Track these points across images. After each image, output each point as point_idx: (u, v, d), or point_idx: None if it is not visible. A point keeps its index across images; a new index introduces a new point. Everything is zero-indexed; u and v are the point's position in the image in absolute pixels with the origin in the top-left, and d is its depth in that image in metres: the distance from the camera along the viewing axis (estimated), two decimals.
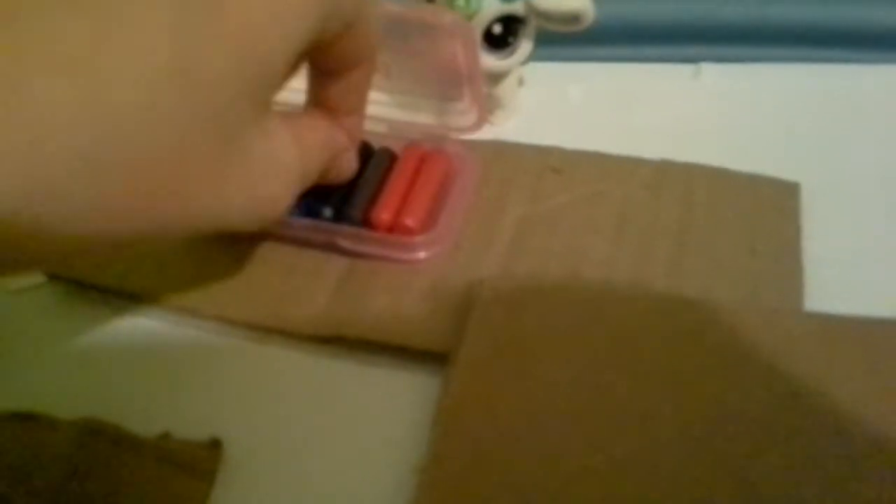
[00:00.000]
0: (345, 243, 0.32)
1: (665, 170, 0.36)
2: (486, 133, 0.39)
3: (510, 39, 0.38)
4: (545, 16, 0.36)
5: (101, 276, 0.32)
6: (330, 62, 0.28)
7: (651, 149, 0.37)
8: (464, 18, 0.35)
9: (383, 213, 0.32)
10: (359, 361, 0.31)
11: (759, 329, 0.29)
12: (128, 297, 0.32)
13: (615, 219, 0.34)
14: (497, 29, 0.37)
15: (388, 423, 0.28)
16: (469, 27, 0.34)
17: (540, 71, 0.41)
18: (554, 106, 0.41)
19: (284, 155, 0.25)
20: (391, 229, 0.32)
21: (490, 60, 0.38)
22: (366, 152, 0.35)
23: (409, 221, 0.32)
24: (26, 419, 0.28)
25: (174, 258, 0.33)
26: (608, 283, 0.32)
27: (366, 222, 0.33)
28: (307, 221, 0.33)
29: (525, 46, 0.38)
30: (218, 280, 0.32)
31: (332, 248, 0.33)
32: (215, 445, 0.27)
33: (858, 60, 0.41)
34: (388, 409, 0.29)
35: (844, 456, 0.25)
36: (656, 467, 0.25)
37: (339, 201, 0.33)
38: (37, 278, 0.32)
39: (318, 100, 0.30)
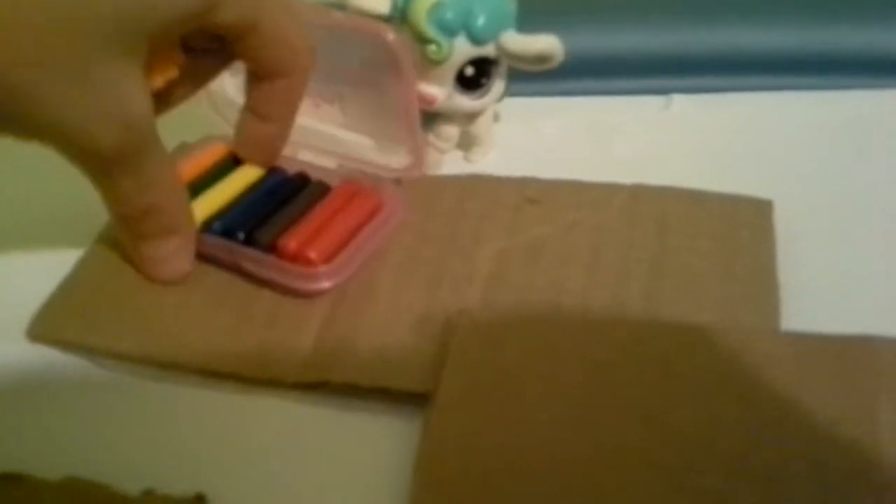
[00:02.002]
0: (249, 266, 0.33)
1: (639, 194, 0.37)
2: (464, 168, 0.40)
3: (483, 80, 0.38)
4: (516, 57, 0.37)
5: (86, 336, 0.32)
6: (250, 62, 0.32)
7: (626, 177, 0.37)
8: (435, 63, 0.36)
9: (290, 242, 0.32)
10: (346, 407, 0.30)
11: (735, 353, 0.28)
12: (112, 357, 0.32)
13: (591, 248, 0.34)
14: (469, 71, 0.38)
15: (376, 469, 0.28)
16: (408, 50, 0.34)
17: (514, 105, 0.42)
18: (529, 139, 0.42)
19: (130, 103, 0.27)
20: (295, 258, 0.32)
21: (464, 101, 0.39)
22: (301, 182, 0.37)
23: (312, 253, 0.32)
24: (10, 480, 0.28)
25: (157, 313, 0.33)
26: (586, 314, 0.32)
27: (272, 249, 0.33)
28: (218, 241, 0.34)
29: (498, 86, 0.39)
30: (200, 333, 0.32)
31: (238, 270, 0.33)
32: (200, 500, 0.27)
33: (828, 87, 0.42)
34: (377, 455, 0.28)
35: (820, 488, 0.25)
36: (634, 502, 0.25)
37: (254, 225, 0.34)
38: None
39: (247, 102, 0.34)
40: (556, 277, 0.34)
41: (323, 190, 0.37)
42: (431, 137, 0.41)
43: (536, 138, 0.42)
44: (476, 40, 0.37)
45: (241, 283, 0.34)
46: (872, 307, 0.32)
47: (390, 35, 0.35)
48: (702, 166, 0.38)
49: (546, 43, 0.36)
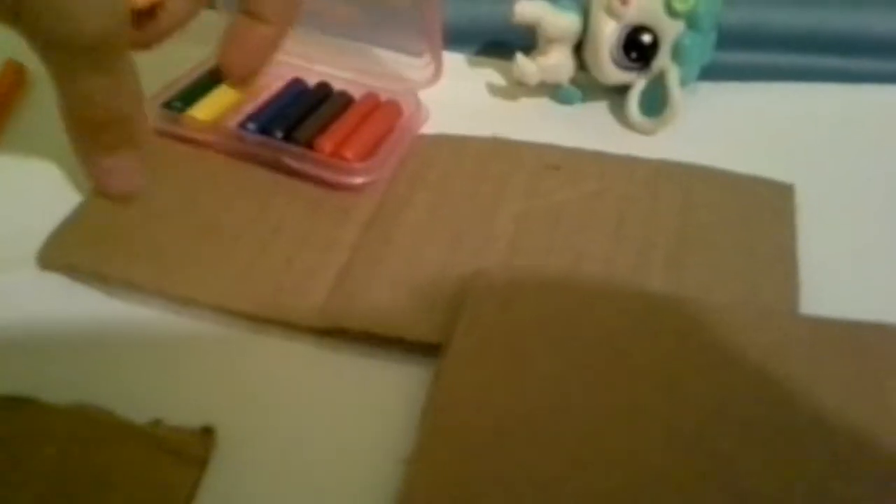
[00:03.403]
0: (290, 161, 0.34)
1: (663, 170, 0.36)
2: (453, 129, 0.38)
3: (643, 57, 0.37)
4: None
5: (99, 265, 0.31)
6: None
7: (649, 152, 0.37)
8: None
9: (327, 142, 0.34)
10: (357, 353, 0.30)
11: (750, 330, 0.29)
12: (125, 286, 0.31)
13: (615, 217, 0.34)
14: (648, 39, 0.37)
15: (385, 415, 0.28)
16: None
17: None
18: (553, 108, 0.40)
19: None
20: (332, 155, 0.34)
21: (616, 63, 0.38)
22: (325, 91, 0.38)
23: (348, 153, 0.34)
24: (20, 403, 0.28)
25: (173, 247, 0.32)
26: (603, 281, 0.32)
27: (310, 146, 0.34)
28: (259, 138, 0.35)
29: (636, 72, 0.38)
30: (217, 270, 0.31)
31: (278, 165, 0.34)
32: (208, 433, 0.28)
33: (850, 77, 0.41)
34: (386, 401, 0.28)
35: (828, 456, 0.25)
36: (644, 462, 0.25)
37: (290, 125, 0.35)
38: None
39: (242, 4, 0.34)
40: (578, 243, 0.33)
41: (347, 100, 0.38)
42: (529, 60, 0.39)
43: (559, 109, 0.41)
44: (693, 25, 0.36)
45: (258, 222, 0.33)
46: (889, 292, 0.32)
47: None
48: (726, 151, 0.37)
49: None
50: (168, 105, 0.37)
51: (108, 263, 0.32)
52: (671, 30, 0.37)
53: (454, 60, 0.42)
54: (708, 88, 0.41)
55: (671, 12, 0.37)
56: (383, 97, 0.38)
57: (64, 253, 0.32)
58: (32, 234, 0.33)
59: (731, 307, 0.30)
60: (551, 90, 0.41)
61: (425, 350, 0.29)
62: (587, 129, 0.39)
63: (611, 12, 0.37)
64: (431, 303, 0.31)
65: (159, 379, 0.29)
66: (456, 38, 0.42)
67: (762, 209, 0.34)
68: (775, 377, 0.28)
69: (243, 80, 0.37)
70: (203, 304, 0.31)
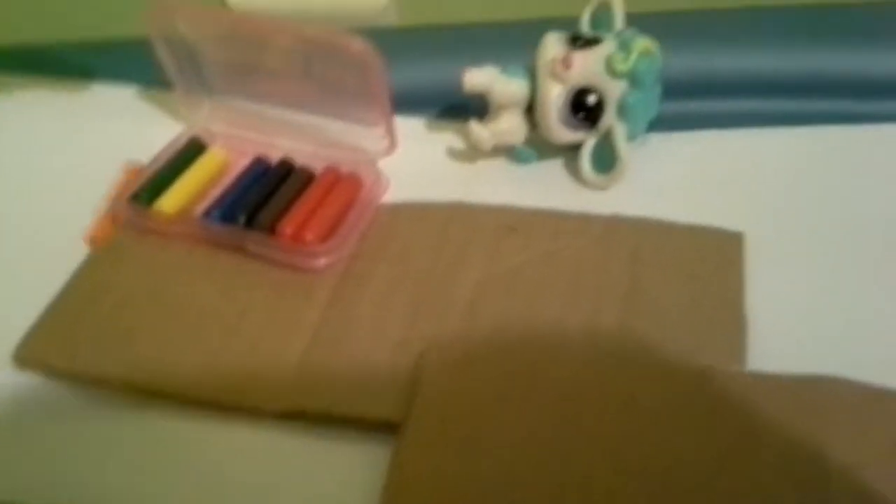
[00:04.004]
0: (253, 247, 0.35)
1: (614, 225, 0.37)
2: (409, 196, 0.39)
3: (591, 116, 0.38)
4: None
5: (71, 363, 0.33)
6: None
7: (603, 208, 0.37)
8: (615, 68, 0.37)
9: (288, 226, 0.35)
10: (321, 436, 0.31)
11: (695, 390, 0.29)
12: (97, 383, 0.32)
13: (568, 277, 0.35)
14: (592, 100, 0.38)
15: (348, 495, 0.29)
16: (377, 57, 0.35)
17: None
18: (511, 169, 0.41)
19: None
20: (294, 239, 0.35)
21: (567, 123, 0.38)
22: (286, 169, 0.39)
23: (309, 235, 0.35)
24: None
25: (142, 340, 0.33)
26: (556, 345, 0.32)
27: (272, 231, 0.35)
28: (222, 227, 0.36)
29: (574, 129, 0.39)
30: (184, 361, 0.32)
31: (242, 251, 0.35)
32: None
33: (799, 120, 0.41)
34: (349, 482, 0.29)
35: None
36: None
37: (253, 211, 0.36)
38: None
39: None
40: (533, 306, 0.34)
41: (308, 176, 0.39)
42: (483, 127, 0.39)
43: (515, 167, 0.41)
44: (635, 83, 0.37)
45: (224, 309, 0.35)
46: (837, 338, 0.32)
47: (357, 45, 0.35)
48: (678, 200, 0.38)
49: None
50: (135, 198, 0.38)
51: (77, 361, 0.33)
52: (614, 89, 0.38)
53: (414, 126, 0.43)
54: (658, 139, 0.41)
55: (613, 73, 0.38)
56: (344, 170, 0.39)
57: (38, 353, 0.34)
58: (11, 333, 0.34)
59: (676, 369, 0.31)
60: (507, 151, 0.42)
61: (387, 428, 0.30)
62: (544, 187, 0.40)
63: (555, 77, 0.38)
64: (391, 380, 0.31)
65: (130, 472, 0.31)
66: (415, 102, 0.43)
67: (711, 260, 0.35)
68: (720, 437, 0.29)
69: None
70: (170, 394, 0.32)
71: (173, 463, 0.31)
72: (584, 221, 0.37)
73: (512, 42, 0.41)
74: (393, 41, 0.39)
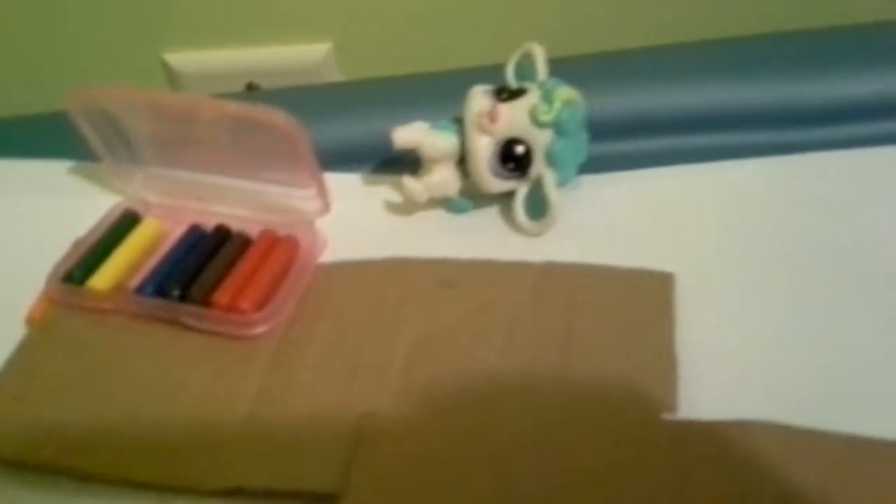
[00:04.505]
0: (188, 320, 0.35)
1: (548, 273, 0.37)
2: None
3: (520, 166, 0.39)
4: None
5: (2, 449, 0.32)
6: None
7: (537, 254, 0.38)
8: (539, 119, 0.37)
9: (223, 296, 0.35)
10: None
11: (625, 443, 0.30)
12: (30, 466, 0.32)
13: (503, 328, 0.35)
14: (520, 150, 0.38)
15: None
16: (300, 129, 0.35)
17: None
18: (447, 218, 0.41)
19: None
20: (229, 309, 0.35)
21: (494, 173, 0.39)
22: (222, 235, 0.39)
23: (245, 304, 0.35)
24: None
25: (76, 423, 0.33)
26: (493, 400, 0.32)
27: (207, 303, 0.35)
28: (156, 302, 0.36)
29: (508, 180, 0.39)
30: (120, 442, 0.32)
31: (178, 323, 0.35)
32: None
33: (728, 156, 0.42)
34: None
35: None
36: None
37: (187, 282, 0.36)
38: None
39: None
40: (470, 360, 0.34)
41: (244, 241, 0.39)
42: (416, 181, 0.40)
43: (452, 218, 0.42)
44: (560, 132, 0.38)
45: (161, 385, 0.34)
46: (767, 377, 0.32)
47: (280, 118, 0.35)
48: (612, 242, 0.38)
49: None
50: (67, 278, 0.38)
51: (10, 446, 0.32)
52: (541, 139, 0.38)
53: (349, 182, 0.43)
54: (591, 181, 0.42)
55: (537, 124, 0.38)
56: (281, 232, 0.39)
57: None
58: None
59: (607, 420, 0.31)
60: (444, 202, 0.42)
61: (328, 499, 0.30)
62: (481, 235, 0.40)
63: (483, 130, 0.39)
64: (331, 448, 0.31)
65: None
66: (350, 157, 0.44)
67: (641, 303, 0.35)
68: (647, 489, 0.29)
69: None
70: (106, 478, 0.31)
71: None
72: (518, 271, 0.37)
73: (443, 93, 0.41)
74: (322, 97, 0.39)
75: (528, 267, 0.37)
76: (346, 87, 0.55)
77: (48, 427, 0.33)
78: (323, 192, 0.39)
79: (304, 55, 0.73)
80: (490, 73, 0.41)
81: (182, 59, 0.73)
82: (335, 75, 0.74)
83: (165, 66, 0.73)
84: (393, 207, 0.43)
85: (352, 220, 0.41)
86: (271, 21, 0.68)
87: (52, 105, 0.48)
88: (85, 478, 0.32)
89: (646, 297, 0.36)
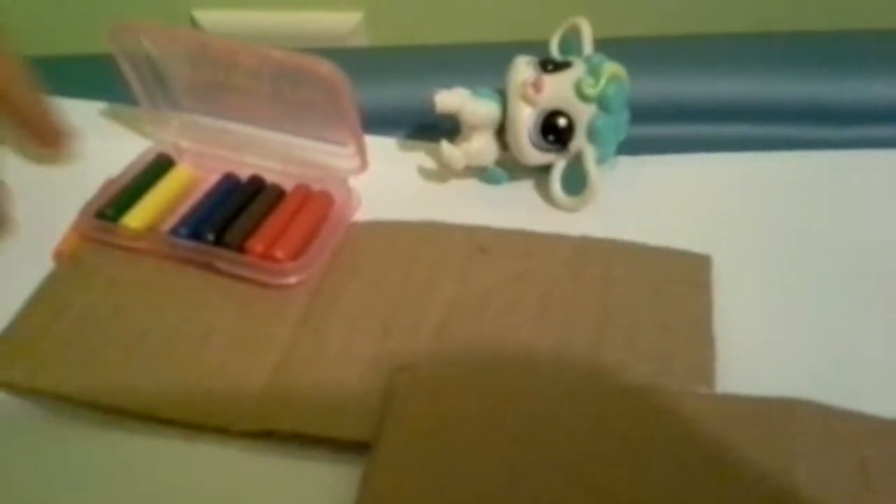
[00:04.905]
0: (222, 265, 0.35)
1: (584, 247, 0.37)
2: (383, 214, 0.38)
3: (561, 140, 0.38)
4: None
5: (31, 379, 0.32)
6: None
7: (572, 230, 0.37)
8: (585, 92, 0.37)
9: (258, 243, 0.35)
10: (289, 455, 0.30)
11: (663, 412, 0.29)
12: (57, 398, 0.32)
13: (538, 299, 0.34)
14: (563, 122, 0.38)
15: None
16: (345, 79, 0.35)
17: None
18: (481, 188, 0.41)
19: None
20: (264, 257, 0.35)
21: (534, 144, 0.39)
22: (257, 186, 0.39)
23: (279, 253, 0.35)
24: None
25: (104, 357, 0.32)
26: (527, 367, 0.32)
27: (241, 249, 0.35)
28: (190, 244, 0.35)
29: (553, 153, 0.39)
30: (147, 378, 0.32)
31: (210, 268, 0.35)
32: None
33: (763, 147, 0.42)
34: (318, 502, 0.29)
35: None
36: None
37: (222, 227, 0.36)
38: None
39: None
40: (504, 328, 0.33)
41: (278, 193, 0.38)
42: (455, 147, 0.39)
43: (487, 188, 0.41)
44: (604, 107, 0.38)
45: (191, 326, 0.34)
46: (803, 360, 0.33)
47: (325, 67, 0.35)
48: (647, 222, 0.38)
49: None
50: (100, 214, 0.37)
51: (40, 377, 0.32)
52: (584, 113, 0.38)
53: (385, 145, 0.43)
54: (627, 162, 0.42)
55: (582, 97, 0.38)
56: (315, 187, 0.39)
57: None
58: None
59: (645, 390, 0.31)
60: (479, 172, 0.41)
61: (358, 448, 0.30)
62: (514, 207, 0.40)
63: (526, 99, 0.38)
64: (362, 399, 0.31)
65: (92, 493, 0.30)
66: (386, 122, 0.43)
67: (679, 282, 0.35)
68: (689, 459, 0.28)
69: None
70: (134, 413, 0.31)
71: (137, 481, 0.30)
72: (554, 242, 0.37)
73: (479, 64, 0.41)
74: (363, 61, 0.39)
75: (564, 239, 0.37)
76: (380, 53, 0.54)
77: (74, 361, 0.33)
78: (362, 151, 0.38)
79: (335, 23, 0.73)
80: (523, 48, 0.40)
81: (212, 17, 0.72)
82: (364, 45, 0.73)
83: (194, 22, 0.72)
84: (426, 173, 0.42)
85: (385, 183, 0.40)
86: None
87: (81, 48, 0.47)
88: (111, 412, 0.31)
89: (684, 277, 0.35)
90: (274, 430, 0.30)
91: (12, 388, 0.32)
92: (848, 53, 0.46)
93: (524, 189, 0.41)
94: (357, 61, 0.36)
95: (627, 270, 0.36)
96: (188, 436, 0.31)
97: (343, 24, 0.72)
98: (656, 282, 0.35)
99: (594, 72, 0.38)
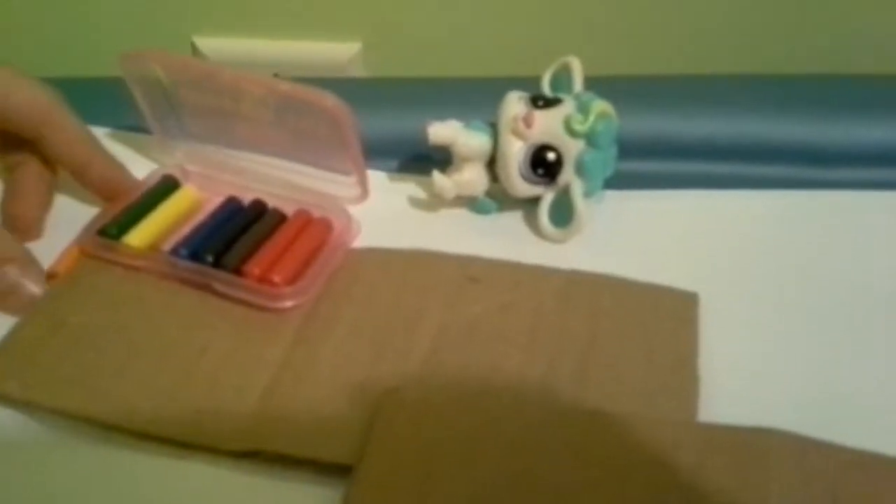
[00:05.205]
0: (220, 287, 0.34)
1: (573, 280, 0.36)
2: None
3: (550, 172, 0.39)
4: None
5: (27, 393, 0.32)
6: None
7: (560, 259, 0.37)
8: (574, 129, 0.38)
9: (256, 267, 0.35)
10: (276, 476, 0.30)
11: (643, 440, 0.29)
12: (53, 413, 0.32)
13: (527, 329, 0.34)
14: (552, 156, 0.38)
15: None
16: (349, 112, 0.35)
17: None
18: (470, 218, 0.41)
19: None
20: (261, 280, 0.34)
21: (523, 177, 0.39)
22: (259, 210, 0.38)
23: (277, 278, 0.34)
24: None
25: (99, 372, 0.32)
26: (512, 396, 0.32)
27: (239, 272, 0.35)
28: (189, 264, 0.35)
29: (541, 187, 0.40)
30: (142, 395, 0.32)
31: (208, 288, 0.35)
32: None
33: (747, 186, 0.42)
34: None
35: None
36: None
37: (221, 250, 0.35)
38: None
39: None
40: (492, 357, 0.33)
41: (279, 218, 0.38)
42: (446, 177, 0.40)
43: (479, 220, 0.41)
44: (593, 143, 0.38)
45: (185, 344, 0.33)
46: (787, 399, 0.32)
47: (329, 101, 0.35)
48: (632, 256, 0.38)
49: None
50: (103, 232, 0.36)
51: (36, 391, 0.31)
52: (573, 148, 0.38)
53: (376, 177, 0.42)
54: (614, 196, 0.41)
55: (571, 133, 0.37)
56: (315, 213, 0.38)
57: None
58: None
59: (626, 418, 0.30)
60: (469, 202, 0.41)
61: (343, 471, 0.29)
62: (503, 237, 0.39)
63: (517, 133, 0.38)
64: (349, 423, 0.30)
65: None
66: (379, 151, 0.42)
67: (666, 318, 0.34)
68: (666, 486, 0.28)
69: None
70: (127, 428, 0.30)
71: (127, 496, 0.30)
72: (544, 274, 0.36)
73: (471, 98, 0.41)
74: (359, 91, 0.40)
75: (554, 272, 0.36)
76: (374, 84, 0.55)
77: (70, 375, 0.32)
78: (363, 180, 0.38)
79: (334, 53, 0.73)
80: (515, 84, 0.40)
81: (212, 44, 0.71)
82: (361, 76, 0.74)
83: (195, 48, 0.73)
84: (419, 203, 0.42)
85: (378, 211, 0.40)
86: (303, 16, 0.66)
87: (83, 71, 0.48)
88: (104, 427, 0.31)
89: (670, 312, 0.35)
90: (261, 450, 0.30)
91: (7, 400, 0.32)
92: (839, 96, 0.46)
93: (513, 220, 0.41)
94: (353, 91, 0.37)
95: (615, 304, 0.35)
96: (179, 453, 0.30)
97: (342, 53, 0.72)
98: (644, 317, 0.34)
99: (583, 109, 0.37)
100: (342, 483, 0.29)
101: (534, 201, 0.40)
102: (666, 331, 0.34)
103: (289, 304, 0.34)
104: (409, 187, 0.42)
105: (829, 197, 0.41)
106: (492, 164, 0.39)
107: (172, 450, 0.30)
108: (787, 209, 0.41)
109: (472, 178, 0.39)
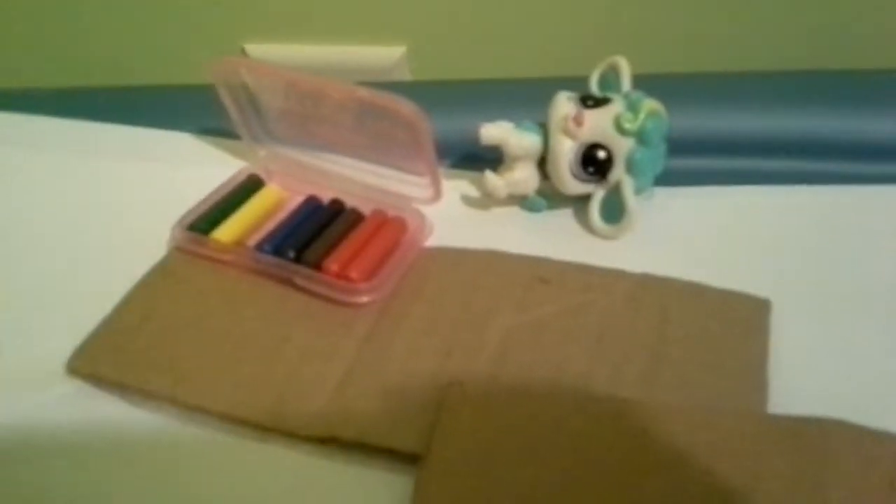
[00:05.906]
0: (300, 281, 0.33)
1: (645, 284, 0.33)
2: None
3: (600, 171, 0.37)
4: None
5: (119, 375, 0.32)
6: None
7: (611, 256, 0.35)
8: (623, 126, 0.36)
9: (334, 263, 0.33)
10: (350, 461, 0.29)
11: (700, 429, 0.28)
12: (142, 395, 0.31)
13: (595, 331, 0.31)
14: (602, 154, 0.36)
15: None
16: (425, 119, 0.33)
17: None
18: (521, 216, 0.40)
19: None
20: (339, 276, 0.33)
21: (574, 175, 0.38)
22: (337, 209, 0.37)
23: (354, 274, 0.33)
24: None
25: (186, 358, 0.32)
26: (580, 397, 0.30)
27: (319, 267, 0.33)
28: (272, 259, 0.33)
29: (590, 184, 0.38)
30: (225, 381, 0.31)
31: (290, 283, 0.33)
32: None
33: (795, 180, 0.40)
34: None
35: None
36: None
37: (302, 246, 0.34)
38: None
39: None
40: (558, 357, 0.30)
41: (356, 217, 0.36)
42: (498, 177, 0.38)
43: (527, 215, 0.40)
44: (643, 141, 0.36)
45: (267, 334, 0.32)
46: (857, 405, 0.29)
47: (406, 108, 0.33)
48: (682, 252, 0.36)
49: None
50: (193, 227, 0.35)
51: (127, 373, 0.31)
52: (623, 146, 0.35)
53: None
54: (664, 193, 0.38)
55: (621, 131, 0.35)
56: (391, 213, 0.36)
57: (89, 363, 0.31)
58: (63, 352, 0.32)
59: (686, 409, 0.28)
60: (520, 200, 0.38)
61: (414, 460, 0.28)
62: (554, 234, 0.37)
63: (567, 133, 0.35)
64: (420, 414, 0.29)
65: (168, 483, 0.29)
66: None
67: (736, 324, 0.31)
68: (721, 473, 0.26)
69: None
70: (212, 412, 0.29)
71: (211, 475, 0.29)
72: (614, 277, 0.33)
73: (519, 99, 0.39)
74: (412, 94, 0.40)
75: (624, 275, 0.33)
76: (427, 86, 0.53)
77: (158, 361, 0.31)
78: (436, 182, 0.35)
79: (379, 57, 0.72)
80: (563, 84, 0.38)
81: (261, 50, 0.67)
82: (407, 79, 0.74)
83: (245, 54, 0.72)
84: (471, 201, 0.39)
85: (432, 209, 0.37)
86: (349, 21, 0.63)
87: (140, 79, 0.47)
88: (189, 409, 0.30)
89: (740, 320, 0.32)
90: (337, 438, 0.28)
91: (100, 380, 0.31)
92: (891, 92, 0.43)
93: (562, 217, 0.38)
94: (408, 94, 0.34)
95: (685, 309, 0.32)
96: (260, 436, 0.29)
97: (386, 57, 0.68)
98: (713, 322, 0.31)
99: (633, 107, 0.34)
100: (412, 471, 0.27)
101: (583, 199, 0.37)
102: (735, 337, 0.31)
103: (365, 299, 0.32)
104: (462, 185, 0.40)
105: (872, 191, 0.38)
106: (542, 163, 0.36)
107: (254, 432, 0.29)
108: (834, 205, 0.38)
109: (523, 176, 0.37)
